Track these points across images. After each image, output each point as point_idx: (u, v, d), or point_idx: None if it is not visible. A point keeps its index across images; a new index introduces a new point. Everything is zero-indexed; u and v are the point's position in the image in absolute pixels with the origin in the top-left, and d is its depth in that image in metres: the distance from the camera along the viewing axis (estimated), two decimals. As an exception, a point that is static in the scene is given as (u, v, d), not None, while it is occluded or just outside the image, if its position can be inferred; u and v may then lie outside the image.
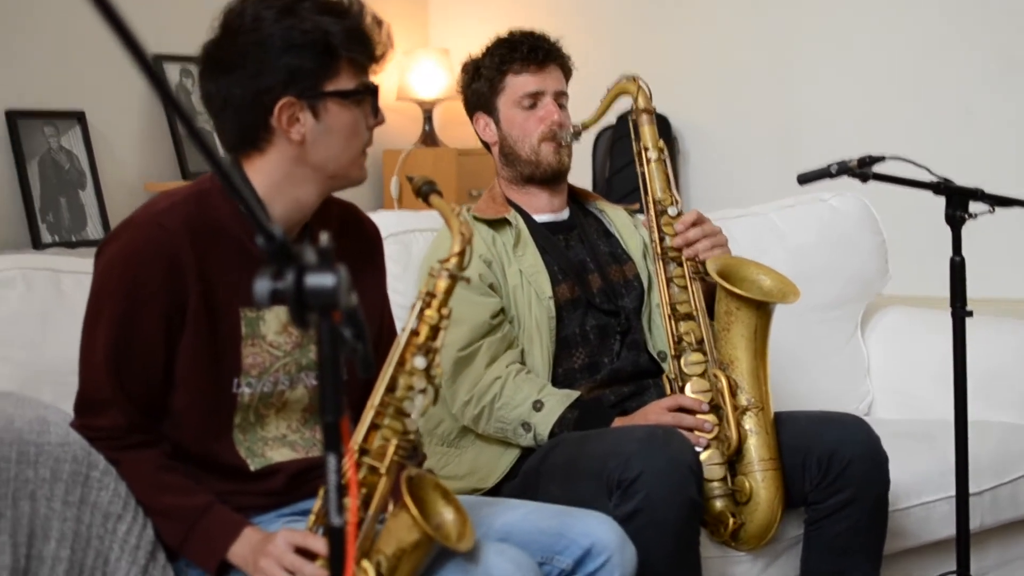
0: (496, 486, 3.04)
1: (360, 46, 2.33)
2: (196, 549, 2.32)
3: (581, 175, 5.50)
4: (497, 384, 3.02)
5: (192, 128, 1.44)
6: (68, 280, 2.91)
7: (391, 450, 2.18)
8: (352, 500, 1.60)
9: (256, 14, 2.30)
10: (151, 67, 1.35)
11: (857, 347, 3.97)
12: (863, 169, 2.79)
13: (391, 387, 2.20)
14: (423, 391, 2.20)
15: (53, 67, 4.64)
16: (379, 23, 2.39)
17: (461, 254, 2.24)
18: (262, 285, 1.52)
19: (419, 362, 2.19)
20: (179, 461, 2.38)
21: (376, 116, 2.41)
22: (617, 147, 5.49)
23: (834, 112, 5.22)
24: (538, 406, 2.98)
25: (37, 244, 4.47)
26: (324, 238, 1.61)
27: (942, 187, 2.88)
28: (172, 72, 5.05)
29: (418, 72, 5.91)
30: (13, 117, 4.57)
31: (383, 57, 2.39)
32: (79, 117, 4.72)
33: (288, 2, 2.31)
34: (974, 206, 2.89)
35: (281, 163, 2.35)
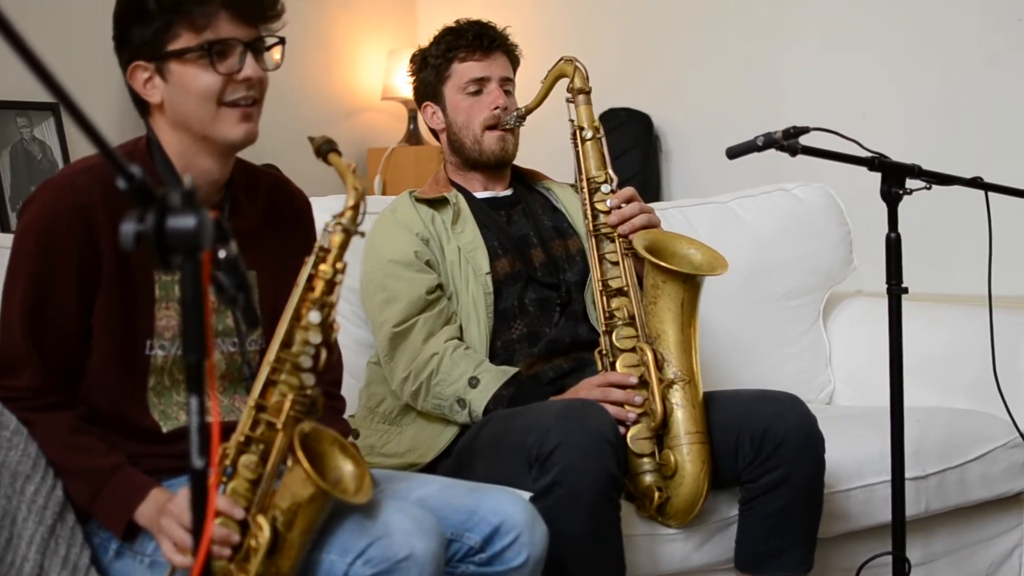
0: (433, 464, 3.04)
1: (190, 4, 2.29)
2: (104, 510, 2.32)
3: (566, 168, 5.46)
4: (434, 360, 3.02)
5: (65, 99, 1.49)
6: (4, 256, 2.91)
7: (287, 406, 2.17)
8: (214, 443, 1.60)
9: None
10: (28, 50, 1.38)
11: (819, 336, 3.95)
12: (789, 141, 2.72)
13: (287, 342, 2.20)
14: (319, 346, 2.20)
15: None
16: None
17: (355, 208, 2.23)
18: (127, 227, 1.53)
19: (314, 317, 2.19)
20: (94, 423, 2.39)
21: (240, 70, 2.33)
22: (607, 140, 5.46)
23: (817, 111, 5.17)
24: (474, 383, 2.98)
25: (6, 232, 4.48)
26: (188, 180, 1.61)
27: (876, 162, 2.78)
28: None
29: (404, 72, 5.88)
30: (-16, 107, 4.60)
31: (245, 11, 2.32)
32: (53, 109, 4.74)
33: None
34: (911, 183, 2.83)
35: (167, 130, 2.39)
